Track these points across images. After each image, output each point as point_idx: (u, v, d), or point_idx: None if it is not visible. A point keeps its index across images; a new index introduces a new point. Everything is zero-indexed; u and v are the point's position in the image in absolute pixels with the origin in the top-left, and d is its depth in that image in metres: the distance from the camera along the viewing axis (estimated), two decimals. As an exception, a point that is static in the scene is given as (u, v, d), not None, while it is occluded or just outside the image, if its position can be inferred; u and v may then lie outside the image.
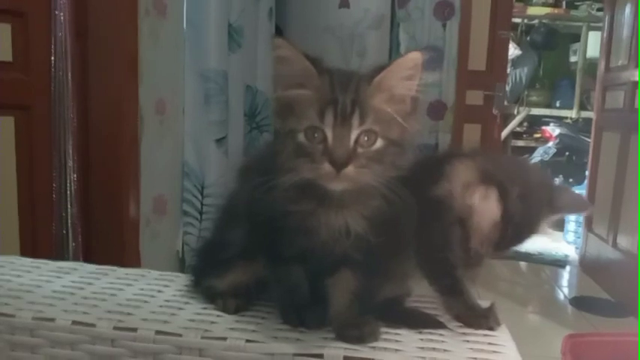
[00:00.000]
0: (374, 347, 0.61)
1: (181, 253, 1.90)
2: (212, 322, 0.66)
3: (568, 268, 3.10)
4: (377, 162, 0.57)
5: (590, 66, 4.16)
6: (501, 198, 0.59)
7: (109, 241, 1.59)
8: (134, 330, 0.64)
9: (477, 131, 2.94)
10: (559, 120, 4.45)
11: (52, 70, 1.44)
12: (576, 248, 3.27)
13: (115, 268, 0.87)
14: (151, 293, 0.76)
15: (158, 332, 0.64)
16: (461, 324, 0.67)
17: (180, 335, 0.63)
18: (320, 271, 0.65)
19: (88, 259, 1.52)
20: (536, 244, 3.34)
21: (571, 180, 3.89)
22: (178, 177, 1.91)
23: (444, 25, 2.64)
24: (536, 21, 4.59)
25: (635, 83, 2.59)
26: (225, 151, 2.00)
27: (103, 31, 1.55)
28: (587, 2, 4.48)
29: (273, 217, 0.62)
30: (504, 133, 3.95)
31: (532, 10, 4.56)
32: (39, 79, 1.43)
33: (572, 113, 4.54)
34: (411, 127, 0.60)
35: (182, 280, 0.81)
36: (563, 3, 4.61)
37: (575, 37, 4.64)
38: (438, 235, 0.64)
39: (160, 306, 0.72)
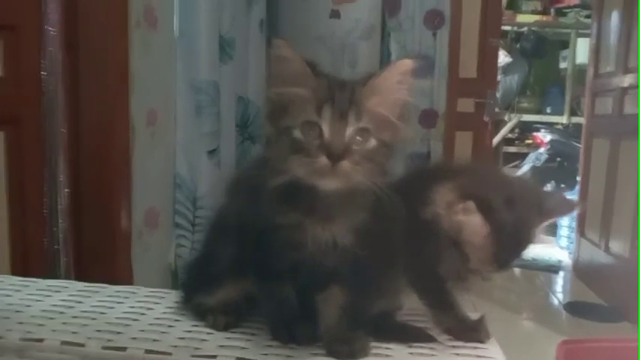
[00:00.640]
0: (364, 363, 0.61)
1: (174, 266, 1.90)
2: (202, 340, 0.66)
3: (561, 273, 3.11)
4: (369, 161, 0.59)
5: (580, 72, 4.20)
6: (485, 210, 0.59)
7: (100, 255, 1.58)
8: (123, 349, 0.64)
9: (468, 138, 2.95)
10: (550, 126, 4.49)
11: (43, 84, 1.44)
12: (569, 253, 3.28)
13: (105, 285, 0.86)
14: (142, 311, 0.76)
15: (148, 351, 0.64)
16: (451, 337, 0.68)
17: (170, 354, 0.63)
18: (309, 287, 0.65)
19: (80, 273, 1.51)
20: (530, 250, 3.34)
21: (563, 185, 3.91)
22: (170, 189, 1.90)
23: (435, 34, 2.66)
24: (525, 28, 4.64)
25: (624, 89, 2.62)
26: (218, 162, 2.00)
27: (94, 43, 1.55)
28: (576, 9, 4.54)
29: (261, 231, 0.62)
30: (496, 139, 3.98)
31: (521, 18, 4.61)
32: (30, 93, 1.43)
33: (562, 119, 4.58)
34: (402, 130, 0.62)
35: (173, 296, 0.81)
36: (552, 10, 4.67)
37: (565, 44, 4.69)
38: (427, 250, 0.64)
39: (150, 324, 0.71)
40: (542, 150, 4.17)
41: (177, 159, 1.91)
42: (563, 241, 3.46)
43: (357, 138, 0.58)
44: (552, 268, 3.12)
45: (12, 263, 1.43)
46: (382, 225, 0.62)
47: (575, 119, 4.42)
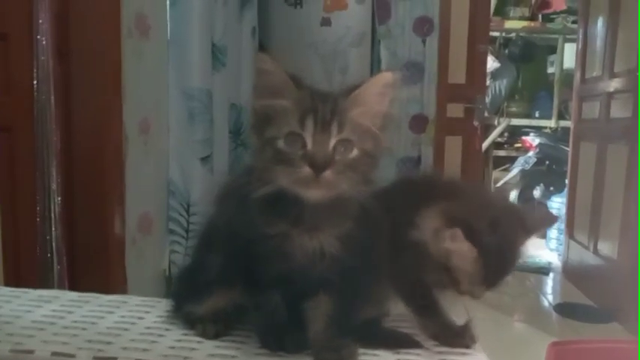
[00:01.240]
0: (352, 369, 0.62)
1: (168, 272, 1.90)
2: (192, 349, 0.67)
3: (551, 275, 3.14)
4: (352, 170, 0.60)
5: (568, 77, 4.25)
6: (471, 235, 0.61)
7: (94, 262, 1.59)
8: (114, 359, 0.65)
9: (458, 143, 2.98)
10: (538, 130, 4.53)
11: (35, 92, 1.45)
12: (559, 255, 3.31)
13: (96, 295, 0.87)
14: (132, 320, 0.77)
15: (139, 360, 0.64)
16: (437, 343, 0.69)
17: (161, 363, 0.64)
18: (297, 295, 0.66)
19: (74, 281, 1.51)
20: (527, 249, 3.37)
21: (552, 188, 3.96)
22: (163, 196, 1.91)
23: (424, 41, 2.69)
24: (513, 34, 4.69)
25: (610, 94, 2.65)
26: (211, 168, 2.00)
27: (86, 52, 1.56)
28: (563, 15, 4.59)
29: (249, 241, 0.63)
30: (485, 143, 4.01)
31: (509, 24, 4.66)
32: (21, 101, 1.43)
33: (551, 123, 4.63)
34: (384, 141, 0.64)
35: (164, 305, 0.82)
36: (540, 16, 4.72)
37: (552, 49, 4.75)
38: (414, 263, 0.65)
39: (141, 333, 0.72)
40: (531, 154, 4.21)
41: (171, 166, 1.92)
42: (553, 243, 3.49)
43: (340, 148, 0.60)
44: (542, 270, 3.15)
45: (5, 272, 1.42)
46: (367, 233, 0.64)
47: (563, 123, 4.47)
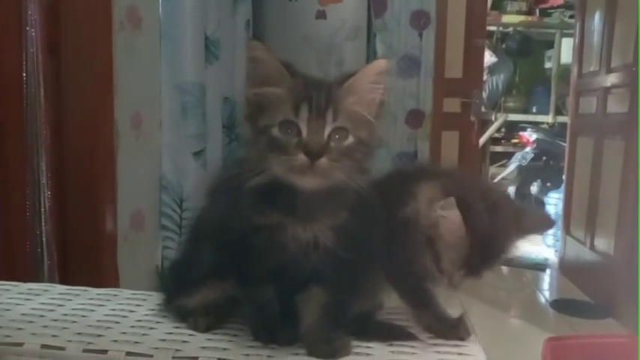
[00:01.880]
0: (345, 362, 0.61)
1: (160, 268, 1.89)
2: (183, 342, 0.66)
3: (548, 271, 3.14)
4: (348, 158, 0.60)
5: (565, 72, 4.24)
6: (464, 210, 0.60)
7: (86, 258, 1.57)
8: (104, 352, 0.64)
9: (455, 138, 2.98)
10: (536, 125, 4.53)
11: (25, 86, 1.43)
12: (555, 251, 3.31)
13: (87, 288, 0.86)
14: (123, 313, 0.76)
15: (129, 353, 0.63)
16: (431, 335, 0.68)
17: (151, 356, 0.63)
18: (290, 288, 0.65)
19: (65, 277, 1.50)
20: (518, 248, 3.38)
21: (549, 184, 3.95)
22: (156, 191, 1.89)
23: (420, 35, 2.68)
24: (510, 29, 4.69)
25: (607, 88, 2.65)
26: (204, 163, 1.99)
27: (77, 46, 1.54)
28: (560, 9, 4.59)
29: (241, 232, 0.62)
30: (482, 139, 4.01)
31: (506, 18, 4.65)
32: (11, 95, 1.41)
33: (548, 118, 4.63)
34: (378, 129, 0.63)
35: (155, 298, 0.81)
36: (537, 11, 4.72)
37: (549, 44, 4.75)
38: (406, 249, 0.64)
39: (132, 326, 0.71)
40: (528, 149, 4.21)
41: (163, 161, 1.91)
42: (550, 239, 3.49)
43: (335, 136, 0.59)
44: (539, 266, 3.15)
45: (-5, 267, 1.41)
46: (363, 224, 0.63)
47: (560, 118, 4.47)
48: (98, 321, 0.73)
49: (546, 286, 3.04)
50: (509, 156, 4.50)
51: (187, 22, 1.87)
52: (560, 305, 2.54)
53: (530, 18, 4.68)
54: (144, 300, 0.81)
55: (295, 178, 0.59)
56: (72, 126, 1.57)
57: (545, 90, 4.74)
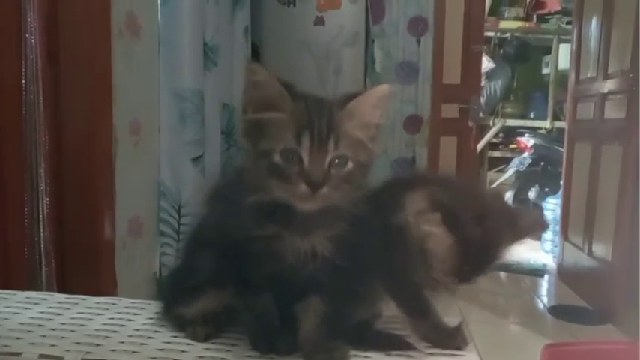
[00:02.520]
0: (343, 371, 0.61)
1: (159, 275, 1.88)
2: (182, 351, 0.66)
3: (546, 276, 3.14)
4: (347, 183, 0.60)
5: (562, 77, 4.26)
6: (452, 222, 0.60)
7: (84, 265, 1.57)
8: (102, 362, 0.64)
9: (453, 144, 2.99)
10: (533, 131, 4.54)
11: (24, 92, 1.43)
12: (553, 257, 3.32)
13: (85, 297, 0.86)
14: (122, 322, 0.76)
15: (126, 363, 0.63)
16: (429, 344, 0.68)
17: (149, 366, 0.63)
18: (289, 297, 0.65)
19: (63, 284, 1.49)
20: (515, 253, 3.38)
21: (547, 189, 3.96)
22: (154, 198, 1.89)
23: (419, 41, 2.69)
24: (508, 34, 4.71)
25: (604, 94, 2.66)
26: (202, 169, 1.99)
27: (76, 53, 1.54)
28: (557, 16, 4.61)
29: (240, 242, 0.62)
30: (480, 144, 4.02)
31: (504, 24, 4.68)
32: (10, 101, 1.41)
33: (546, 124, 4.64)
34: (376, 151, 0.64)
35: (153, 307, 0.81)
36: (534, 17, 4.74)
37: (547, 50, 4.77)
38: (401, 258, 0.65)
39: (130, 335, 0.71)
40: (526, 154, 4.22)
41: (162, 167, 1.91)
42: (548, 245, 3.50)
43: (336, 161, 0.60)
44: (537, 272, 3.15)
45: (-8, 274, 1.40)
46: (359, 233, 0.63)
47: (558, 124, 4.49)
48: (97, 330, 0.73)
49: (544, 292, 3.04)
50: (507, 161, 4.51)
51: (186, 29, 1.88)
52: (559, 311, 2.54)
53: (527, 24, 4.71)
54: (142, 308, 0.81)
55: (296, 204, 0.60)
56: (70, 132, 1.57)
57: (543, 96, 4.75)
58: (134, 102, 1.73)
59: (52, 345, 0.67)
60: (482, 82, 4.18)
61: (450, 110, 2.95)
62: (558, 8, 4.61)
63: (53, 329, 0.73)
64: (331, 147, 0.59)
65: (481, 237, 0.61)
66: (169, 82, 1.88)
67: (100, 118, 1.57)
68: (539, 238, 3.58)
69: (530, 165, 4.14)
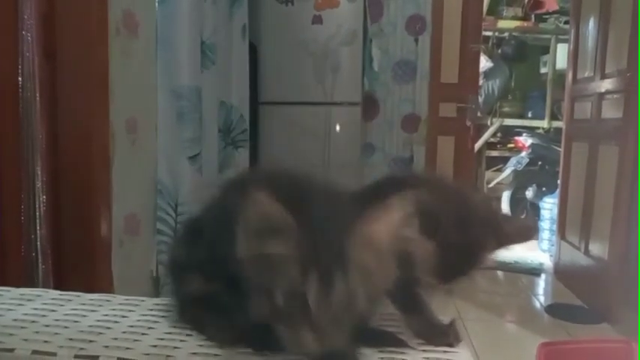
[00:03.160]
0: (335, 368, 0.61)
1: (155, 273, 1.88)
2: (175, 348, 0.66)
3: (543, 276, 3.15)
4: (352, 312, 0.58)
5: (560, 77, 4.27)
6: (434, 228, 0.60)
7: (80, 263, 1.57)
8: (95, 358, 0.64)
9: (450, 143, 2.99)
10: (531, 130, 4.55)
11: (20, 90, 1.43)
12: (550, 256, 3.33)
13: (79, 293, 0.86)
14: (115, 319, 0.75)
15: (120, 359, 0.63)
16: (422, 341, 0.68)
17: (142, 362, 0.63)
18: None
19: (59, 282, 1.50)
20: (512, 253, 3.40)
21: (544, 189, 3.97)
22: (151, 195, 1.89)
23: (416, 40, 2.70)
24: (506, 34, 4.72)
25: (602, 94, 2.67)
26: (199, 167, 1.99)
27: (73, 51, 1.54)
28: (555, 15, 4.62)
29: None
30: (478, 144, 4.02)
31: (502, 24, 4.68)
32: (6, 99, 1.42)
33: (543, 123, 4.66)
34: (388, 279, 0.61)
35: (148, 304, 0.81)
36: (532, 16, 4.75)
37: (545, 49, 4.78)
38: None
39: (124, 332, 0.71)
40: (523, 154, 4.22)
41: (159, 165, 1.91)
42: (545, 244, 3.50)
43: (345, 298, 0.56)
44: (534, 271, 3.16)
45: (-11, 271, 1.41)
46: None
47: (555, 123, 4.50)
48: (90, 326, 0.73)
49: (541, 291, 3.05)
50: (504, 160, 4.52)
51: (184, 27, 1.88)
52: (555, 310, 2.54)
53: (525, 23, 4.72)
54: (137, 305, 0.81)
55: (298, 349, 0.56)
56: (67, 130, 1.57)
57: (541, 95, 4.76)
58: (131, 100, 1.73)
59: (46, 341, 0.67)
60: (480, 82, 4.19)
61: (448, 109, 2.95)
62: (556, 8, 4.62)
63: (47, 325, 0.73)
64: (340, 284, 0.54)
65: (462, 243, 0.61)
66: (167, 80, 1.88)
67: (96, 115, 1.58)
68: (536, 237, 3.59)
69: (527, 164, 4.15)
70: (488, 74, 4.55)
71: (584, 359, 1.65)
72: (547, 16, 4.68)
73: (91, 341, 0.68)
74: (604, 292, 2.42)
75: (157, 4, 1.85)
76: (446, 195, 0.65)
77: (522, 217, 3.73)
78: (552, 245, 3.30)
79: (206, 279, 0.67)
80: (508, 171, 4.26)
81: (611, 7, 2.60)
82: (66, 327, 0.72)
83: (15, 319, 0.75)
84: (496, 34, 4.75)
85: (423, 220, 0.60)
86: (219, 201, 0.67)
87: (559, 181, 3.24)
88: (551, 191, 3.76)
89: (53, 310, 0.79)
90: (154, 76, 1.87)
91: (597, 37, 2.74)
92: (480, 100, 4.25)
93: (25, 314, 0.77)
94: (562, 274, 3.01)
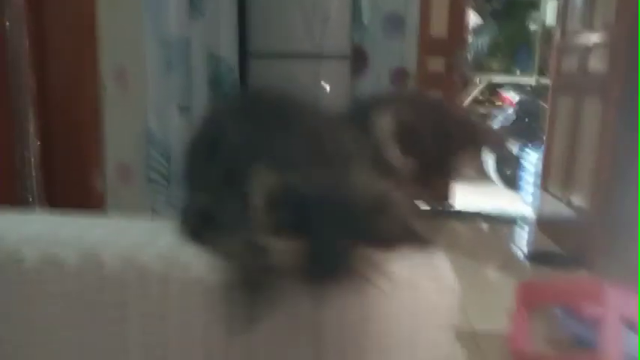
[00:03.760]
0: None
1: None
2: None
3: (525, 226, 3.25)
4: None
5: (549, 34, 4.27)
6: (414, 140, 0.65)
7: (74, 211, 1.60)
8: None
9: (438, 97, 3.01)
10: (519, 87, 4.58)
11: (7, 34, 1.43)
12: (533, 207, 3.42)
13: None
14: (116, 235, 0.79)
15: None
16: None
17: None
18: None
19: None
20: (496, 203, 3.49)
21: (530, 145, 4.03)
22: (143, 144, 1.92)
23: (405, -8, 2.67)
24: (496, -10, 4.68)
25: (589, 47, 2.68)
26: (190, 121, 2.01)
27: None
28: (545, -30, 4.58)
29: None
30: (466, 100, 4.05)
31: (493, -21, 4.64)
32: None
33: (531, 80, 4.68)
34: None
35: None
36: (523, -28, 4.70)
37: (535, 6, 4.75)
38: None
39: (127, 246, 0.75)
40: (510, 110, 4.26)
41: (149, 115, 1.92)
42: (527, 196, 3.59)
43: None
44: (517, 222, 3.25)
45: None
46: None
47: (543, 80, 4.52)
48: (94, 239, 0.76)
49: (523, 241, 3.15)
50: (492, 117, 4.56)
51: (170, -25, 1.86)
52: (536, 257, 2.65)
53: (516, -21, 4.67)
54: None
55: None
56: (56, 80, 1.58)
57: (529, 52, 4.77)
58: (120, 48, 1.73)
59: (55, 252, 0.71)
60: (470, 39, 4.17)
61: (436, 63, 2.96)
62: (547, -37, 4.57)
63: (55, 239, 0.76)
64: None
65: (437, 153, 0.66)
66: (154, 28, 1.87)
67: (85, 62, 1.58)
68: (518, 188, 3.67)
69: (514, 120, 4.19)
70: (477, 30, 4.54)
71: (559, 296, 1.75)
72: (537, -28, 4.64)
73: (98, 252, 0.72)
74: (583, 240, 2.52)
75: (142, -51, 1.82)
76: (424, 107, 0.69)
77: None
78: (535, 197, 3.38)
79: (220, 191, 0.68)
80: (495, 127, 4.30)
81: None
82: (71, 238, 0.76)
83: (23, 234, 0.78)
84: (486, -10, 4.71)
85: (403, 133, 0.64)
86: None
87: (544, 135, 3.29)
88: (537, 147, 3.82)
89: (58, 229, 0.82)
90: (142, 25, 1.86)
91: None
92: (469, 56, 4.25)
93: (33, 231, 0.80)
94: (544, 224, 3.11)
